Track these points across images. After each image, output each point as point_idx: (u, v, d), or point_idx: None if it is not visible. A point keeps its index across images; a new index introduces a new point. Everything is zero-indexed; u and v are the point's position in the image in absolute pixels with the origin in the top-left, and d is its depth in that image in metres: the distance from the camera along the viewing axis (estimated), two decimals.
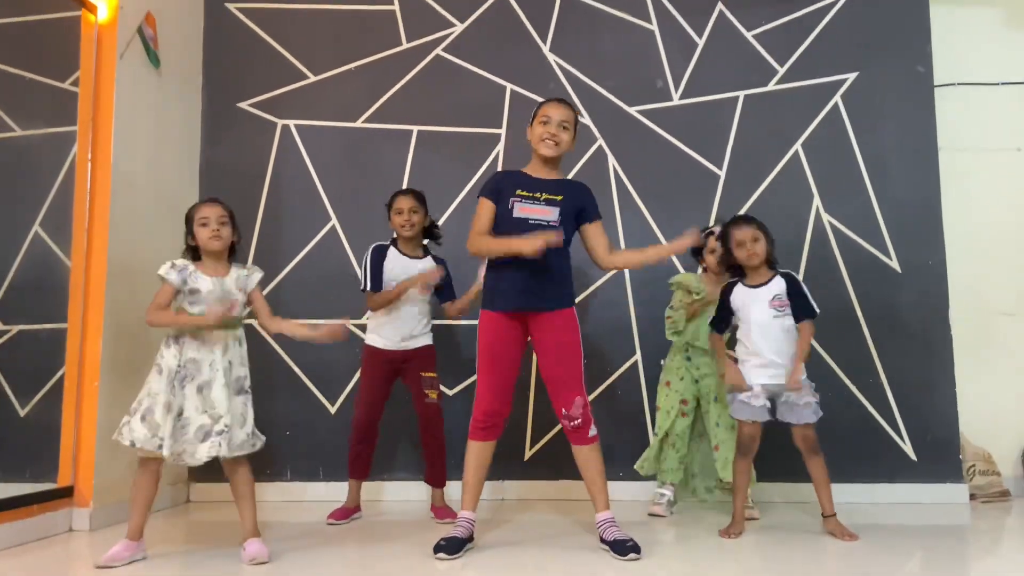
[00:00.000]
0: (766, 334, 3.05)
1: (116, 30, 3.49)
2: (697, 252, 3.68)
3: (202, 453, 2.59)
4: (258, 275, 2.83)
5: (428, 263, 3.51)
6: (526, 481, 3.95)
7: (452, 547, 2.70)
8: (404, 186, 4.05)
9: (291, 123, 4.28)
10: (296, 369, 4.08)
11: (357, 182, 4.19)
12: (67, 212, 3.38)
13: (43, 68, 3.51)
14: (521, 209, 2.82)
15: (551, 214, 2.83)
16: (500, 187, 2.89)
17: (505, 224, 2.83)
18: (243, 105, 4.29)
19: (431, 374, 3.49)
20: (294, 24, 4.35)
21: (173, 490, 3.86)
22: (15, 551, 2.84)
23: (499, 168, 4.15)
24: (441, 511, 3.45)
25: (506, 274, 2.84)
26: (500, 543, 2.95)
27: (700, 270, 3.71)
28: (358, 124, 4.26)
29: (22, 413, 3.37)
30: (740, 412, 3.09)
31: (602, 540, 2.78)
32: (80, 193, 3.39)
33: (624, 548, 2.67)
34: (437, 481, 3.52)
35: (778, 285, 3.10)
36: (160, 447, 2.56)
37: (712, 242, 3.62)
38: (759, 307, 3.08)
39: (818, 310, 3.08)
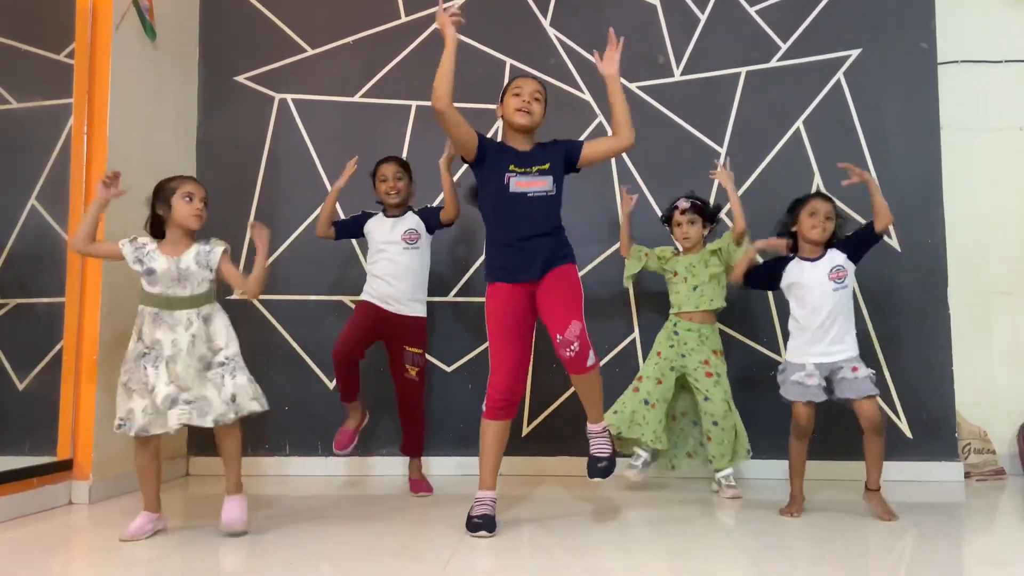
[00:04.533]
0: (823, 307, 3.01)
1: (111, 1, 3.44)
2: (667, 222, 3.71)
3: (172, 421, 2.60)
4: (220, 248, 2.77)
5: (411, 219, 3.55)
6: (524, 457, 3.96)
7: (490, 524, 2.70)
8: None
9: (288, 97, 4.25)
10: (294, 344, 4.08)
11: (355, 157, 4.16)
12: (64, 185, 3.37)
13: (38, 39, 3.48)
14: (517, 184, 2.80)
15: (546, 183, 2.83)
16: (489, 151, 2.84)
17: (503, 198, 2.81)
18: (240, 79, 4.25)
19: (416, 350, 3.46)
20: None
21: (172, 464, 3.87)
22: (15, 523, 2.85)
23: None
24: (418, 483, 3.48)
25: (503, 247, 2.83)
26: (498, 519, 2.97)
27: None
28: (356, 99, 4.23)
29: (21, 387, 3.39)
30: (793, 393, 3.02)
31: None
32: (76, 166, 3.37)
33: (595, 469, 2.80)
34: (414, 451, 3.52)
35: (834, 256, 3.07)
36: (120, 427, 2.62)
37: (676, 215, 3.61)
38: (818, 280, 3.03)
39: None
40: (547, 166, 2.84)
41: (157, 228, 2.77)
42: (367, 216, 3.61)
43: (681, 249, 3.68)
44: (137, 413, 2.59)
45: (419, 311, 3.52)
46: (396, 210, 3.56)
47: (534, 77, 3.00)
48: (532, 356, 3.96)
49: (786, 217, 3.18)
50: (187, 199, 2.71)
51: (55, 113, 3.45)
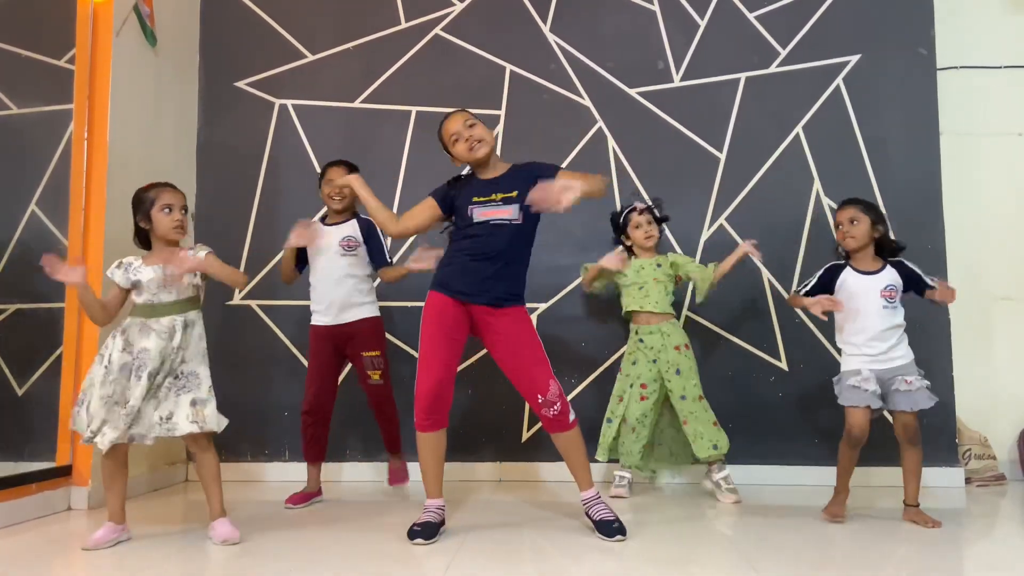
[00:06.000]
0: (873, 325, 2.96)
1: (112, 7, 3.46)
2: (619, 231, 3.67)
3: (146, 439, 2.61)
4: (204, 251, 2.72)
5: (350, 226, 3.43)
6: (523, 463, 3.96)
7: (428, 532, 2.69)
8: (403, 168, 4.06)
9: (289, 103, 4.25)
10: (294, 350, 4.08)
11: (356, 163, 4.15)
12: (64, 191, 3.37)
13: (39, 45, 3.48)
14: (481, 214, 2.78)
15: (511, 212, 2.78)
16: (451, 200, 2.86)
17: (467, 227, 2.80)
18: (240, 84, 4.26)
19: (373, 353, 3.37)
20: (292, 2, 4.31)
21: (171, 470, 3.87)
22: (14, 529, 2.85)
23: (498, 150, 4.13)
24: (394, 473, 3.55)
25: (462, 261, 2.80)
26: (497, 524, 2.97)
27: (619, 249, 3.58)
28: (356, 104, 4.23)
29: (20, 392, 3.38)
30: (850, 398, 2.95)
31: (588, 517, 2.78)
32: (77, 172, 3.37)
33: (611, 529, 2.68)
34: (392, 448, 3.54)
35: (890, 275, 3.02)
36: (91, 439, 2.58)
37: (636, 217, 3.61)
38: (870, 297, 2.98)
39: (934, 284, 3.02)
40: (514, 194, 2.79)
41: (143, 237, 2.76)
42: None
43: (641, 249, 3.64)
44: (110, 427, 2.56)
45: (368, 312, 3.41)
46: (338, 217, 3.45)
47: (455, 111, 2.94)
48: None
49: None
50: (166, 211, 2.69)
51: (55, 119, 3.45)
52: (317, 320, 3.41)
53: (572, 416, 2.80)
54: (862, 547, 2.64)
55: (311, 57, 4.28)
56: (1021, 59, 4.24)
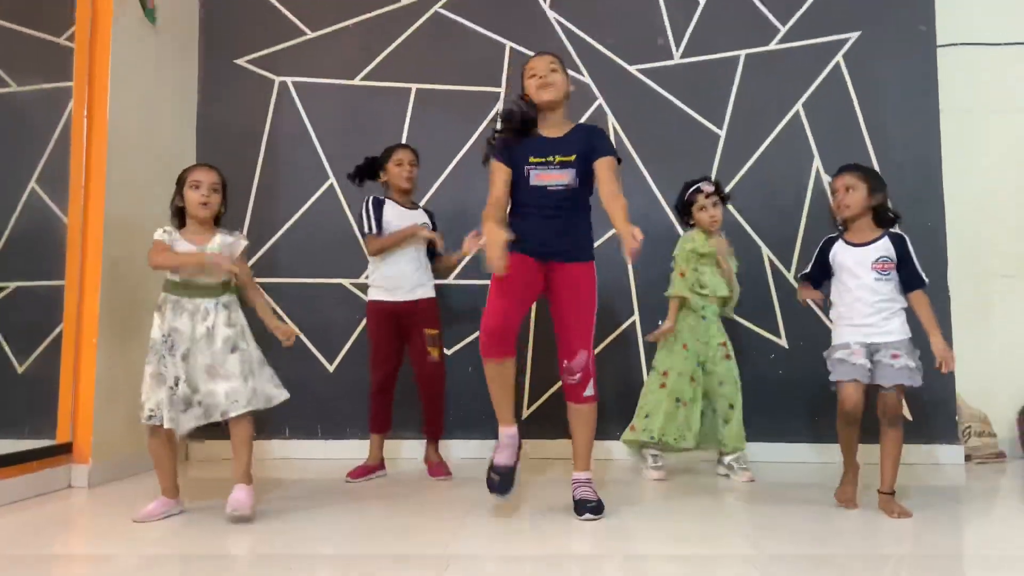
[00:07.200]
0: (865, 298, 2.83)
1: None
2: (684, 211, 3.58)
3: (184, 425, 2.62)
4: (244, 244, 2.79)
5: (420, 214, 3.57)
6: (524, 440, 3.96)
7: (507, 483, 2.70)
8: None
9: (289, 80, 4.24)
10: (293, 327, 4.07)
11: (355, 140, 4.15)
12: (64, 169, 3.36)
13: (38, 22, 3.47)
14: (538, 176, 2.76)
15: (566, 177, 2.76)
16: (510, 152, 2.80)
17: (524, 192, 2.78)
18: (240, 62, 4.25)
19: (434, 331, 3.48)
20: None
21: None
22: (14, 507, 2.86)
23: (497, 128, 4.11)
24: (435, 467, 3.48)
25: (528, 223, 2.76)
26: (496, 505, 2.97)
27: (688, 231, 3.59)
28: (356, 82, 4.22)
29: (20, 370, 3.39)
30: (839, 371, 2.83)
31: (572, 497, 2.76)
32: (76, 150, 3.36)
33: (583, 507, 2.67)
34: (436, 433, 3.55)
35: (884, 247, 2.86)
36: (149, 418, 2.61)
37: (701, 198, 3.52)
38: (861, 269, 2.85)
39: (927, 280, 2.87)
40: (572, 157, 2.76)
41: (181, 216, 2.79)
42: (380, 204, 3.50)
43: (706, 232, 3.52)
44: (164, 404, 2.60)
45: (430, 292, 3.53)
46: (406, 198, 3.55)
47: (543, 52, 2.91)
48: (532, 337, 3.99)
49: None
50: (194, 187, 2.73)
51: (55, 96, 3.44)
52: (381, 296, 3.48)
53: (590, 392, 2.76)
54: (861, 523, 2.65)
55: (311, 34, 4.26)
56: (1021, 36, 4.22)
